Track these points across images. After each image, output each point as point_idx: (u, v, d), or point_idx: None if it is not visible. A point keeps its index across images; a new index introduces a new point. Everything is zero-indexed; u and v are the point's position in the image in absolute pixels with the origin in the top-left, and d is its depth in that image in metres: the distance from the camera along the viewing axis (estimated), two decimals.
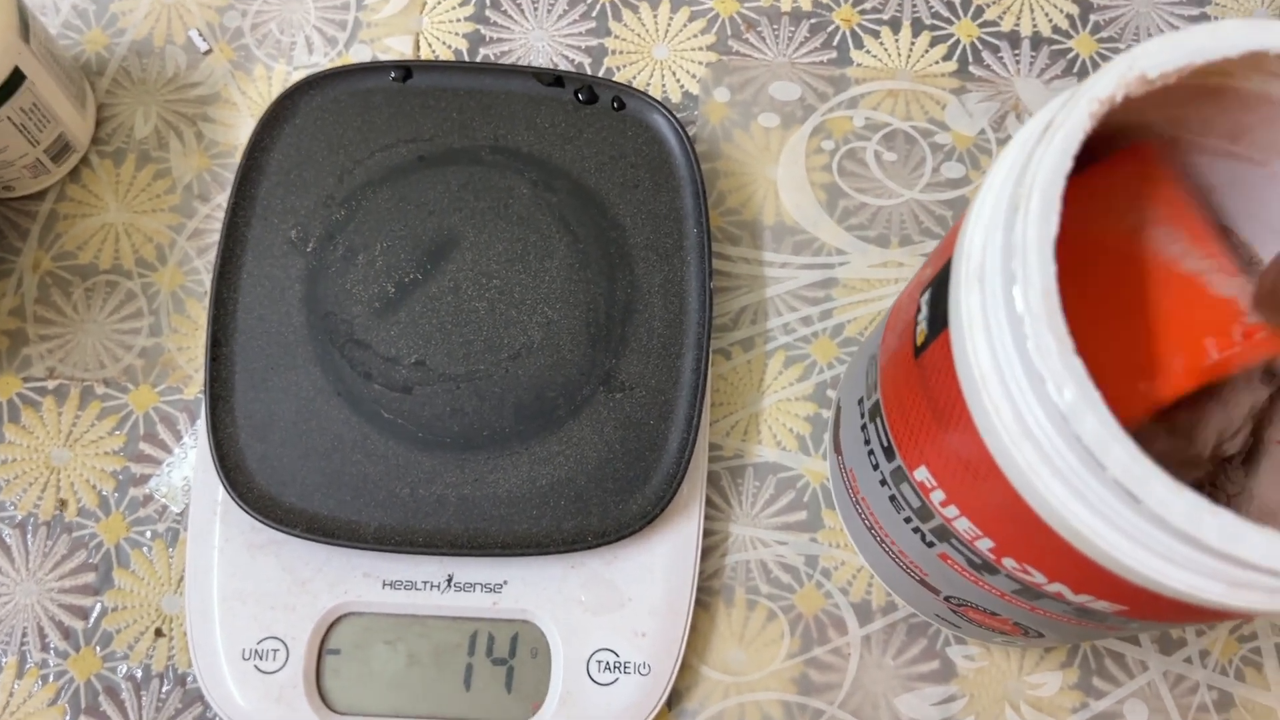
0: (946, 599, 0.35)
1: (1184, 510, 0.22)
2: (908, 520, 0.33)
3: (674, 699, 0.39)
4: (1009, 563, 0.28)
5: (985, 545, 0.28)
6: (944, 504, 0.29)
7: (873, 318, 0.43)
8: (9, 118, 0.39)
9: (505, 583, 0.39)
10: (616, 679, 0.38)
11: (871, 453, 0.34)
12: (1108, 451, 0.22)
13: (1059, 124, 0.24)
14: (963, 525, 0.29)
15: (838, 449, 0.39)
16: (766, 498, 0.42)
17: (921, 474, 0.30)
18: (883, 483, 0.33)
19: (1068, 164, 0.24)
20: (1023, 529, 0.26)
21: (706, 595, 0.40)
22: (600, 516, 0.38)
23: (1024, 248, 0.23)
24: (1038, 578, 0.28)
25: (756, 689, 0.40)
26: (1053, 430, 0.23)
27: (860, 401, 0.35)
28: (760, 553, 0.41)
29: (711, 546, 0.41)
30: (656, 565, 0.39)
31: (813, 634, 0.40)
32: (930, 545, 0.32)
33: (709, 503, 0.41)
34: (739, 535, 0.41)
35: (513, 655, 0.38)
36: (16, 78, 0.38)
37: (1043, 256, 0.23)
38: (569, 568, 0.39)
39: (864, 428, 0.34)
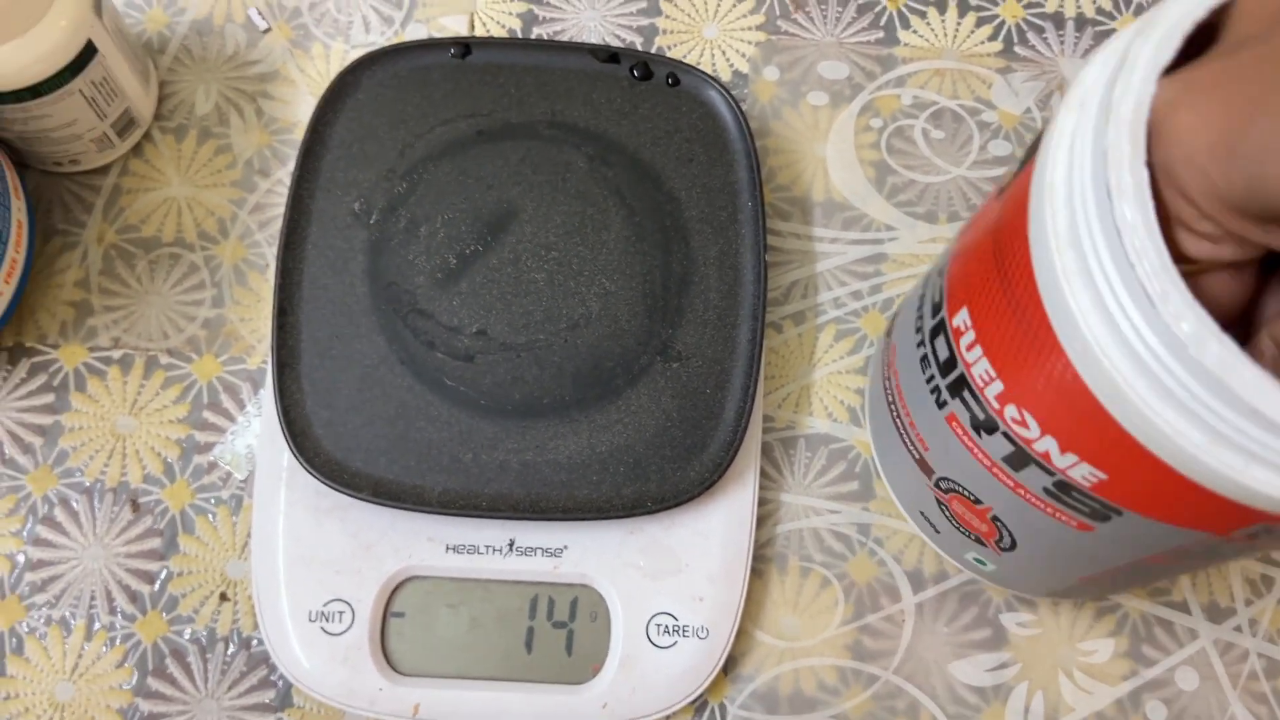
0: (937, 483, 0.36)
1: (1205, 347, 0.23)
2: (930, 380, 0.34)
3: (730, 664, 0.40)
4: (1010, 412, 0.29)
5: (994, 390, 0.30)
6: (970, 346, 0.30)
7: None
8: (81, 90, 0.40)
9: (566, 547, 0.39)
10: (675, 642, 0.39)
11: (920, 317, 0.35)
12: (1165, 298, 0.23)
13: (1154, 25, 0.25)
14: (980, 369, 0.30)
15: (888, 333, 0.40)
16: (819, 468, 0.42)
17: (960, 319, 0.31)
18: (919, 344, 0.34)
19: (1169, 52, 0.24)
20: (1039, 367, 0.27)
21: (761, 563, 0.41)
22: (658, 483, 0.39)
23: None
24: (1032, 430, 0.29)
25: (811, 655, 0.40)
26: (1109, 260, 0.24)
27: (923, 290, 0.36)
28: (813, 521, 0.42)
29: (765, 515, 0.41)
30: (713, 532, 0.40)
31: (866, 601, 0.41)
32: (942, 405, 0.33)
33: (762, 473, 0.42)
34: (792, 504, 0.42)
35: (573, 619, 0.39)
36: (89, 51, 0.39)
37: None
38: (627, 533, 0.39)
39: (920, 303, 0.35)
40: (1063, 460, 0.28)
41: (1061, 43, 0.47)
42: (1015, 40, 0.47)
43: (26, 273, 0.41)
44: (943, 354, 0.33)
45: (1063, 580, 0.36)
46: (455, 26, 0.47)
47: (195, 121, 0.45)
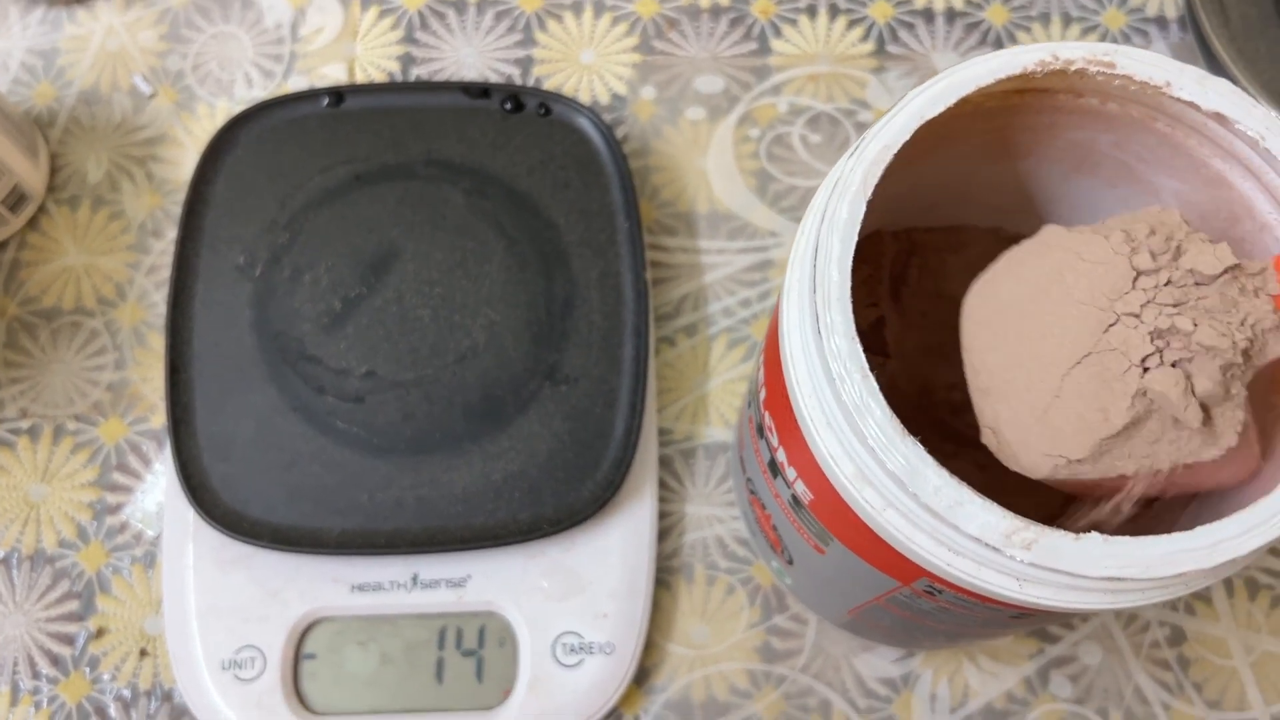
0: (747, 483, 0.37)
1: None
2: (750, 384, 0.35)
3: (642, 676, 0.41)
4: (768, 419, 0.31)
5: (762, 396, 0.31)
6: (762, 353, 0.33)
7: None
8: None
9: (469, 576, 0.40)
10: (582, 660, 0.39)
11: (752, 374, 0.36)
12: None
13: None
14: (761, 376, 0.32)
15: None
16: (719, 476, 0.43)
17: (761, 375, 0.32)
18: (749, 393, 0.36)
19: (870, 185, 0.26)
20: (777, 377, 0.28)
21: (668, 574, 0.42)
22: (554, 505, 0.40)
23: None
24: (775, 439, 0.30)
25: (721, 660, 0.41)
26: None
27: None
28: (716, 529, 0.42)
29: (669, 527, 0.42)
30: (612, 549, 0.40)
31: (771, 603, 0.41)
32: (750, 406, 0.35)
33: (663, 485, 0.42)
34: (695, 514, 0.42)
35: (481, 646, 0.40)
36: None
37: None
38: (528, 558, 0.40)
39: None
40: (790, 473, 0.30)
41: (933, 37, 0.48)
42: (887, 39, 0.48)
43: None
44: (757, 361, 0.34)
45: (837, 608, 0.36)
46: (336, 75, 0.48)
47: (88, 190, 0.46)
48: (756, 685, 0.41)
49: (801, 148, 0.47)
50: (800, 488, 0.30)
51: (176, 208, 0.46)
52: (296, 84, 0.47)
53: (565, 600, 0.40)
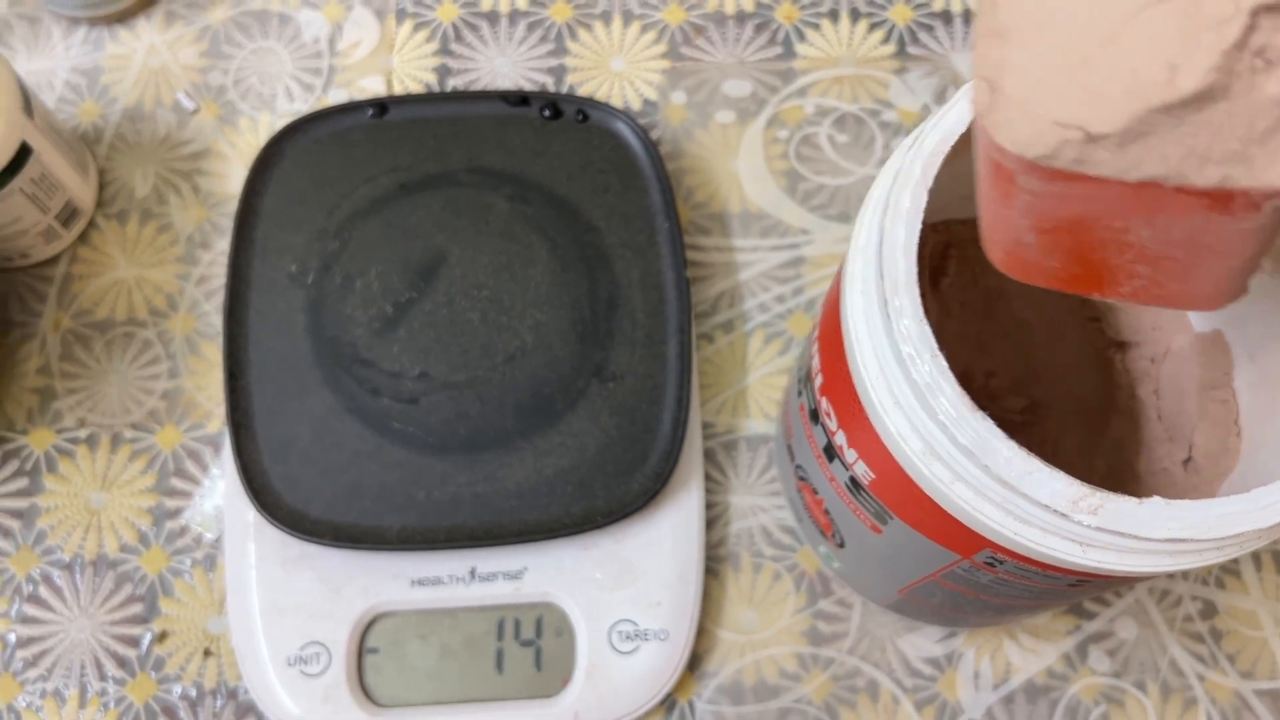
0: (796, 469, 0.38)
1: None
2: (800, 373, 0.37)
3: (694, 663, 0.42)
4: (824, 404, 0.32)
5: (819, 383, 0.33)
6: (814, 340, 0.34)
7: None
8: (21, 189, 0.42)
9: (525, 569, 0.41)
10: (638, 647, 0.41)
11: (801, 362, 0.37)
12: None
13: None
14: (815, 363, 0.33)
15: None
16: (760, 467, 0.44)
17: (817, 316, 0.34)
18: (799, 381, 0.37)
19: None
20: (838, 362, 0.30)
21: (715, 563, 0.43)
22: (605, 498, 0.41)
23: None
24: (833, 423, 0.31)
25: (770, 645, 0.42)
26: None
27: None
28: (760, 518, 0.44)
29: (714, 517, 0.44)
30: (663, 539, 0.42)
31: (816, 588, 0.43)
32: (800, 394, 0.36)
33: (707, 477, 0.44)
34: (739, 504, 0.44)
35: (539, 636, 0.41)
36: (24, 151, 0.41)
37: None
38: (581, 549, 0.42)
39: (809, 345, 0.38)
40: (850, 455, 0.31)
41: (951, 38, 0.50)
42: (907, 41, 0.50)
43: None
44: (808, 350, 0.35)
45: (888, 588, 0.38)
46: (374, 87, 0.49)
47: (136, 205, 0.47)
48: (805, 668, 0.42)
49: (829, 147, 0.48)
50: (861, 469, 0.31)
51: (224, 220, 0.47)
52: (336, 97, 0.49)
53: (619, 590, 0.41)
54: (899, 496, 0.30)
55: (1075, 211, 0.19)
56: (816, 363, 0.33)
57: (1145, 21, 0.17)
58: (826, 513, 0.37)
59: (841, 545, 0.38)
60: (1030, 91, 0.18)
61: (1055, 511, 0.25)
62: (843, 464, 0.32)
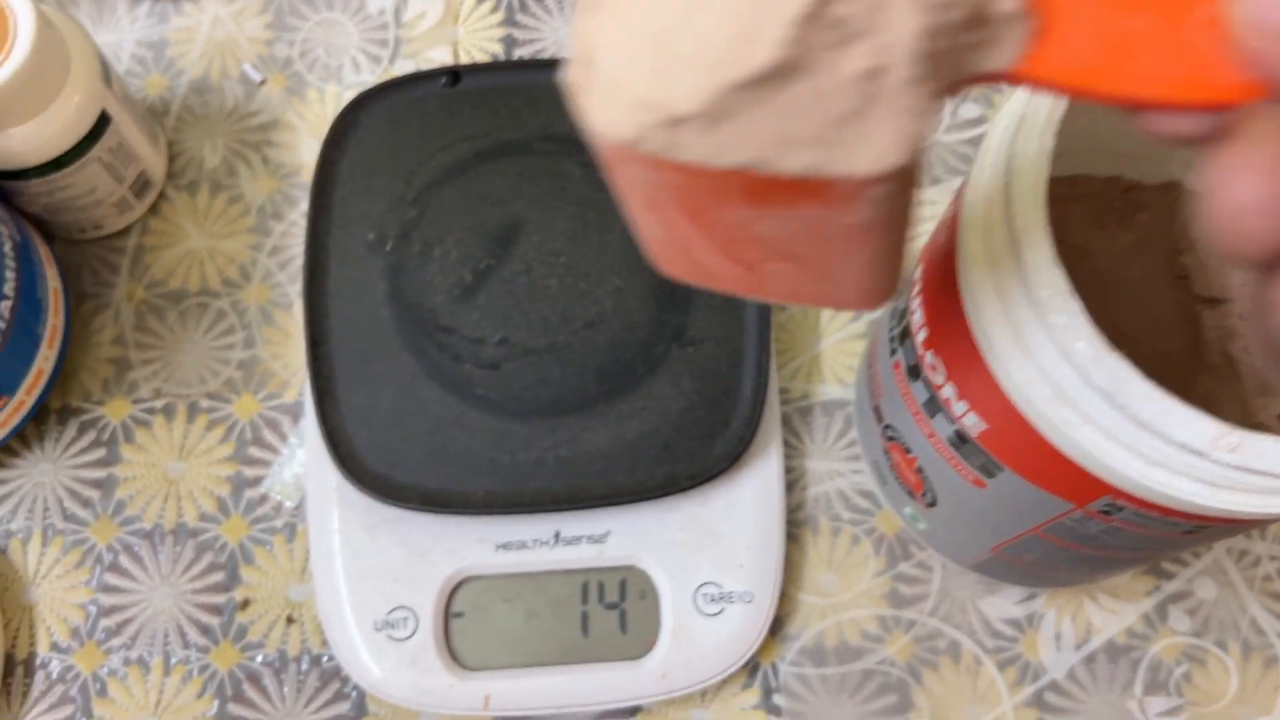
0: (885, 430, 0.39)
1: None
2: (890, 330, 0.37)
3: (776, 626, 0.42)
4: (929, 357, 0.32)
5: (922, 336, 0.32)
6: (916, 294, 0.34)
7: (912, 256, 0.46)
8: (99, 158, 0.42)
9: (609, 532, 0.42)
10: (723, 609, 0.41)
11: (893, 321, 0.37)
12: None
13: None
14: (917, 318, 0.33)
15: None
16: (836, 431, 0.44)
17: (918, 271, 0.34)
18: (891, 340, 0.37)
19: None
20: (948, 311, 0.30)
21: (794, 527, 0.43)
22: (687, 462, 0.41)
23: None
24: (939, 376, 0.31)
25: (851, 607, 0.42)
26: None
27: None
28: (837, 483, 0.44)
29: (792, 481, 0.44)
30: (744, 502, 0.42)
31: (896, 551, 0.43)
32: (893, 353, 0.36)
33: (784, 442, 0.44)
34: (816, 469, 0.44)
35: (623, 599, 0.41)
36: (104, 120, 0.41)
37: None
38: (665, 512, 0.42)
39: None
40: (959, 408, 0.31)
41: None
42: None
43: (67, 337, 0.43)
44: (902, 305, 0.36)
45: (979, 546, 0.38)
46: (440, 58, 0.49)
47: (205, 175, 0.47)
48: (886, 630, 0.42)
49: None
50: (970, 420, 0.31)
51: (295, 191, 0.47)
52: (403, 68, 0.49)
53: (702, 552, 0.41)
54: (1014, 446, 0.30)
55: (689, 203, 0.17)
56: (919, 318, 0.33)
57: (714, 7, 0.15)
58: (919, 471, 0.37)
59: (932, 504, 0.38)
60: (621, 68, 0.16)
61: (1192, 451, 0.25)
62: (947, 418, 0.33)
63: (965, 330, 0.29)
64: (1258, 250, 0.15)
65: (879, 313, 0.44)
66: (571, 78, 0.17)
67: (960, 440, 0.33)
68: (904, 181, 0.16)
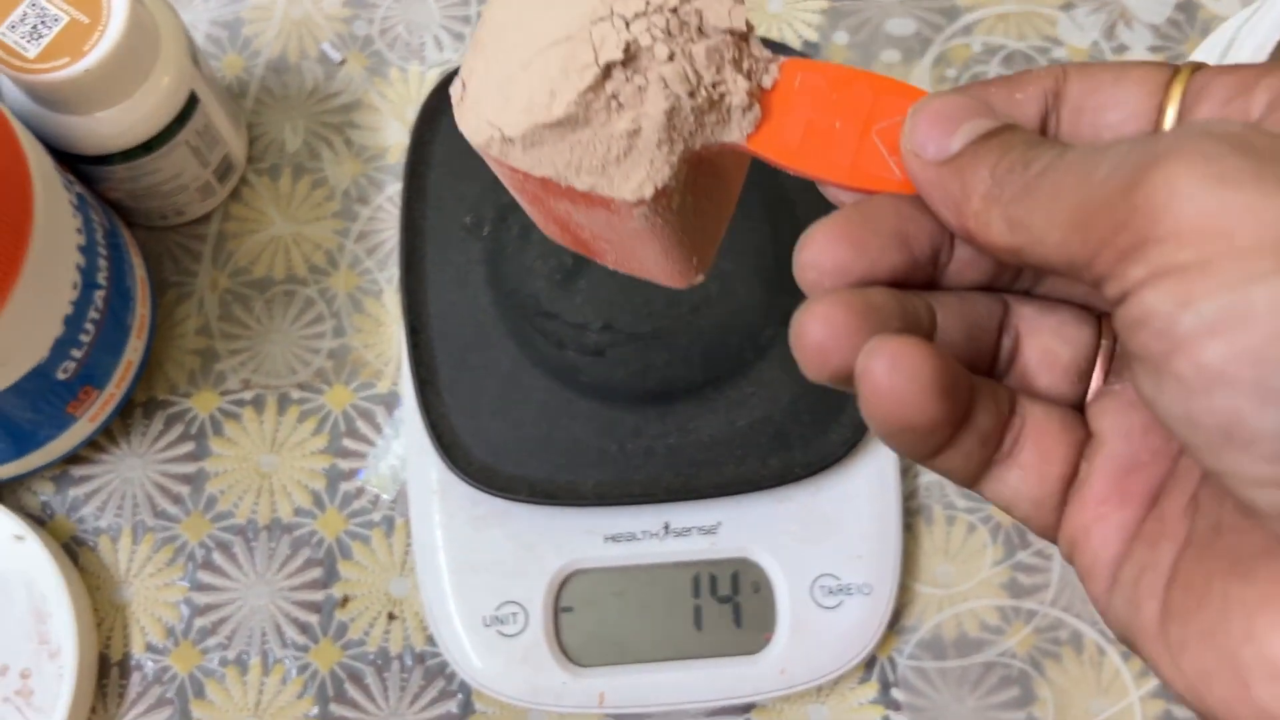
0: None
1: None
2: None
3: (893, 618, 0.41)
4: None
5: None
6: None
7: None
8: (187, 141, 0.40)
9: (719, 524, 0.40)
10: (841, 601, 0.39)
11: None
12: None
13: None
14: None
15: None
16: None
17: None
18: None
19: None
20: None
21: (908, 516, 0.42)
22: (802, 450, 0.40)
23: None
24: None
25: (969, 598, 0.41)
26: None
27: None
28: None
29: (906, 467, 0.42)
30: (859, 491, 0.40)
31: (1014, 540, 0.41)
32: None
33: None
34: None
35: (736, 592, 0.40)
36: (193, 101, 0.40)
37: None
38: (776, 502, 0.40)
39: None
40: None
41: None
42: None
43: (153, 328, 0.42)
44: None
45: None
46: None
47: (287, 159, 0.46)
48: (1007, 620, 0.41)
49: None
50: None
51: (379, 173, 0.46)
52: None
53: (818, 543, 0.40)
54: None
55: (531, 194, 0.24)
56: None
57: (547, 56, 0.22)
58: None
59: None
60: (480, 94, 0.23)
61: None
62: None
63: None
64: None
65: None
66: (454, 94, 0.24)
67: None
68: (662, 206, 0.23)
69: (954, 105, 0.21)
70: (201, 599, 0.41)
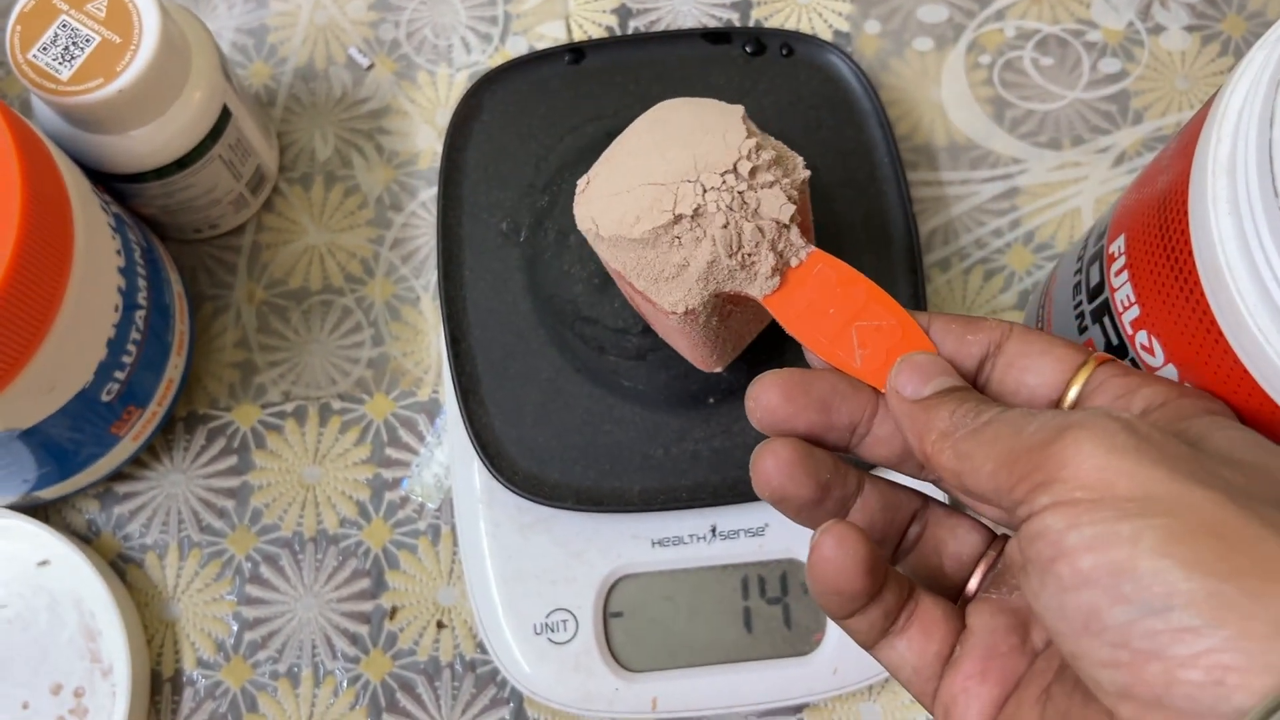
0: None
1: None
2: (1077, 305, 0.35)
3: None
4: (1141, 338, 0.30)
5: (1131, 315, 0.31)
6: (1118, 272, 0.32)
7: (1061, 219, 0.44)
8: (220, 155, 0.40)
9: (766, 525, 0.40)
10: None
11: (1085, 246, 0.36)
12: None
13: None
14: (1122, 295, 0.31)
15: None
16: None
17: (1116, 245, 0.32)
18: (1077, 271, 0.35)
19: None
20: (1174, 293, 0.28)
21: None
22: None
23: None
24: (1157, 358, 0.30)
25: None
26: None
27: (1096, 222, 0.37)
28: None
29: None
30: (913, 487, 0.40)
31: None
32: (1083, 331, 0.34)
33: None
34: None
35: (785, 593, 0.40)
36: (225, 115, 0.40)
37: None
38: None
39: (1089, 234, 0.36)
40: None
41: None
42: None
43: (192, 343, 0.42)
44: (1094, 279, 0.33)
45: None
46: (553, 34, 0.47)
47: (318, 168, 0.45)
48: None
49: (1034, 71, 0.46)
50: None
51: (412, 180, 0.45)
52: (515, 46, 0.47)
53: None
54: (1254, 428, 0.28)
55: (610, 264, 0.32)
56: (1126, 294, 0.31)
57: (644, 191, 0.30)
58: None
59: None
60: (594, 195, 0.32)
61: None
62: None
63: (1201, 312, 0.27)
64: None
65: (1039, 280, 0.42)
66: (580, 184, 0.33)
67: None
68: (691, 319, 0.32)
69: (930, 363, 0.27)
70: (250, 613, 0.41)
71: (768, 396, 0.29)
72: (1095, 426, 0.23)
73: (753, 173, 0.30)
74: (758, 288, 0.31)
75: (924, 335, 0.30)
